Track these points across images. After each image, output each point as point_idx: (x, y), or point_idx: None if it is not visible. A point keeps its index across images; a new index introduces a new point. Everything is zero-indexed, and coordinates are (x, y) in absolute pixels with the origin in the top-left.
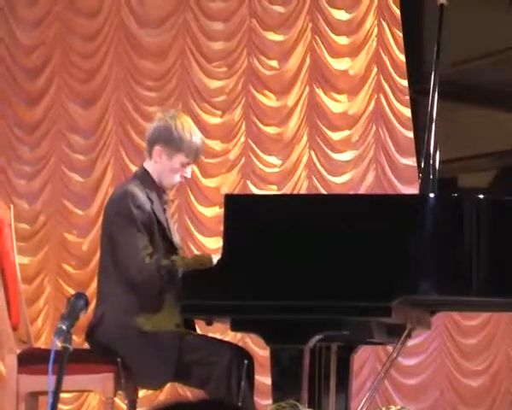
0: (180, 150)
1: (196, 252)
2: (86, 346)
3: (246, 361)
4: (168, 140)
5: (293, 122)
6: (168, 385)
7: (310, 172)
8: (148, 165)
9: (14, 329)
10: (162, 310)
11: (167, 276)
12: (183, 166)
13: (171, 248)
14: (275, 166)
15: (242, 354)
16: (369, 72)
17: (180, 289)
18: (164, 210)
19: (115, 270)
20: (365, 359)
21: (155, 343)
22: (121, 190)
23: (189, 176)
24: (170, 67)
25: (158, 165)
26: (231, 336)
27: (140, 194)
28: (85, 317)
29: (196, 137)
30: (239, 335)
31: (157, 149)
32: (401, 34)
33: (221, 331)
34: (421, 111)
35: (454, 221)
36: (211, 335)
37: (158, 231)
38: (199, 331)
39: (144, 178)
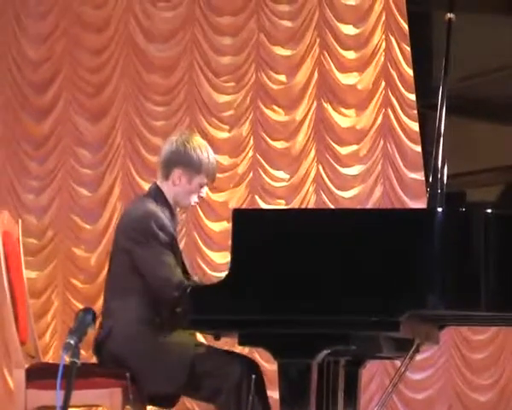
0: (200, 172)
1: (204, 267)
2: (94, 360)
3: (253, 376)
4: (188, 164)
5: (301, 137)
6: None
7: (318, 187)
8: (164, 185)
9: (22, 343)
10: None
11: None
12: (201, 186)
13: (184, 269)
14: (283, 180)
15: (253, 366)
16: (377, 86)
17: (188, 304)
18: (175, 230)
19: (133, 286)
20: (373, 373)
21: (167, 354)
22: (142, 210)
23: (205, 195)
24: (178, 82)
25: (177, 188)
26: (239, 351)
27: (162, 214)
28: (92, 331)
29: (213, 158)
30: (247, 349)
31: (177, 172)
32: (409, 49)
33: (229, 345)
34: (429, 125)
35: (462, 236)
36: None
37: (177, 252)
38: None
39: (158, 197)
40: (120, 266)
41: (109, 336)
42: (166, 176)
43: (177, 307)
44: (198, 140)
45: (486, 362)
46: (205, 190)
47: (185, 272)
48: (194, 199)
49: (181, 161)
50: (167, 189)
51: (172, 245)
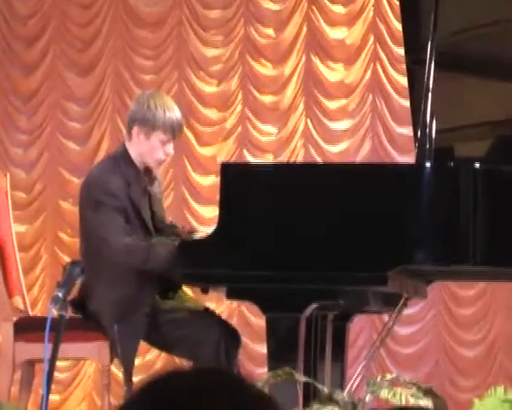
0: (155, 128)
1: (193, 221)
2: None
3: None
4: (143, 120)
5: (290, 91)
6: (164, 354)
7: (306, 141)
8: (129, 145)
9: (11, 297)
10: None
11: (147, 253)
12: (163, 143)
13: (148, 232)
14: (271, 134)
15: (229, 328)
16: (366, 41)
17: (177, 258)
18: (145, 191)
19: (89, 250)
20: (361, 328)
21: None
22: (94, 176)
23: (172, 152)
24: (166, 36)
25: (138, 145)
26: (227, 305)
27: (114, 179)
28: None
29: (171, 112)
30: (235, 303)
31: (135, 129)
32: (398, 3)
33: (216, 299)
34: (417, 80)
35: (450, 190)
36: (203, 306)
37: (134, 216)
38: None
39: (123, 158)
40: (85, 234)
41: (86, 298)
42: (129, 135)
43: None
44: (158, 97)
45: (474, 318)
46: (170, 147)
47: (161, 229)
48: (158, 156)
49: (137, 118)
50: (133, 150)
51: (124, 209)
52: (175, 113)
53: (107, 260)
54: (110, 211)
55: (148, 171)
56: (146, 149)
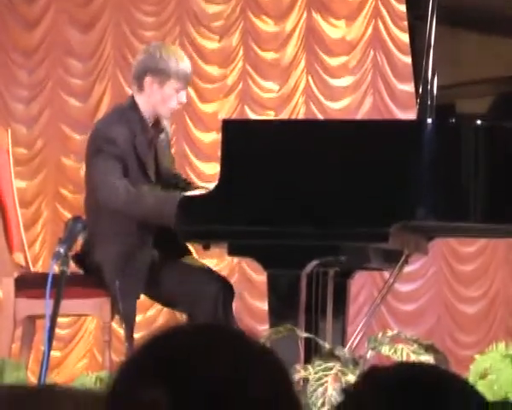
0: (169, 77)
1: (194, 178)
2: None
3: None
4: (156, 69)
5: (291, 48)
6: (166, 310)
7: (307, 98)
8: (139, 98)
9: (12, 252)
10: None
11: (132, 197)
12: (177, 91)
13: (150, 183)
14: (272, 91)
15: (226, 284)
16: None
17: (177, 214)
18: (151, 143)
19: (89, 199)
20: (362, 284)
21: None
22: (97, 126)
23: (185, 100)
24: None
25: (151, 96)
26: (228, 261)
27: (117, 128)
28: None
29: (183, 62)
30: (236, 260)
31: (147, 80)
32: None
33: (218, 256)
34: (419, 37)
35: (452, 147)
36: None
37: (137, 166)
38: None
39: (131, 110)
40: (86, 187)
41: (89, 252)
42: (139, 87)
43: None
44: (167, 47)
45: (475, 274)
46: (183, 95)
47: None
48: (172, 104)
49: (149, 68)
50: (143, 101)
51: (124, 157)
52: (186, 62)
53: (104, 209)
54: (108, 157)
55: (156, 123)
56: (159, 98)
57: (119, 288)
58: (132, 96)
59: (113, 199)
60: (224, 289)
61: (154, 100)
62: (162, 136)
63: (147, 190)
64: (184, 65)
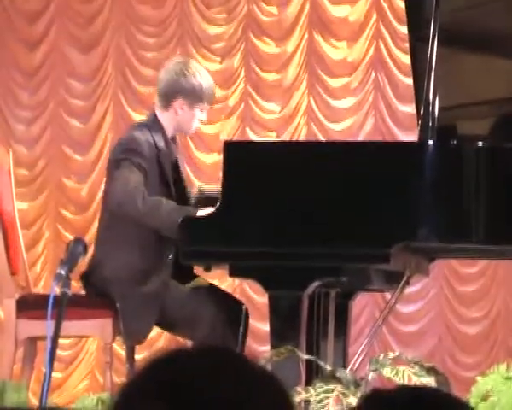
0: (201, 99)
1: None
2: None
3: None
4: (190, 93)
5: (293, 69)
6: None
7: (309, 119)
8: (163, 115)
9: (13, 274)
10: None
11: (149, 207)
12: (201, 111)
13: (171, 198)
14: (274, 112)
15: (229, 306)
16: (369, 18)
17: (179, 236)
18: (172, 159)
19: (114, 218)
20: (363, 305)
21: (140, 298)
22: (125, 136)
23: (205, 119)
24: (169, 13)
25: (178, 116)
26: (229, 283)
27: (140, 139)
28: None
29: (211, 82)
30: (237, 281)
31: (179, 102)
32: None
33: (219, 277)
34: (420, 58)
35: (453, 168)
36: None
37: (159, 181)
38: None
39: (153, 125)
40: (103, 203)
41: (97, 269)
42: (166, 106)
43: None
44: (195, 66)
45: (476, 295)
46: (205, 114)
47: (186, 200)
48: (196, 123)
49: (182, 90)
50: (167, 118)
51: (147, 170)
52: (212, 82)
53: (121, 222)
54: (129, 166)
55: (173, 139)
56: (187, 118)
57: (132, 306)
58: (155, 114)
59: (133, 207)
60: (224, 311)
61: (182, 119)
62: (180, 155)
63: (165, 202)
64: (212, 86)
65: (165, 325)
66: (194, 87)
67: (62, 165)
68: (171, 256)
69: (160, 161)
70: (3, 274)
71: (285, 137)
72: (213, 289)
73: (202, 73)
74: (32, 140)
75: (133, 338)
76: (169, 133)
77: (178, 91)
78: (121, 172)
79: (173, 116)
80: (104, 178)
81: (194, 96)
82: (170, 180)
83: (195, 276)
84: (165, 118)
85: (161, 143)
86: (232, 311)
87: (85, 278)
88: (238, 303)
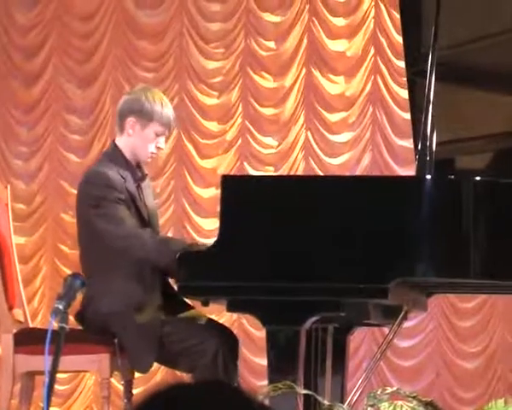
0: (152, 120)
1: (193, 233)
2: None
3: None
4: (140, 111)
5: (290, 103)
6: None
7: (306, 154)
8: (120, 140)
9: (11, 308)
10: (148, 305)
11: (158, 246)
12: (157, 135)
13: (145, 226)
14: (271, 147)
15: (229, 338)
16: (367, 53)
17: (177, 271)
18: (138, 186)
19: (96, 251)
20: (361, 340)
21: (135, 337)
22: (92, 172)
23: (163, 147)
24: (167, 48)
25: (131, 138)
26: (227, 317)
27: (112, 173)
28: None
29: (168, 107)
30: (235, 315)
31: (129, 120)
32: (398, 16)
33: (217, 312)
34: (418, 93)
35: (451, 203)
36: (200, 319)
37: (134, 209)
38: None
39: (115, 155)
40: (87, 236)
41: (90, 305)
42: (121, 129)
43: (131, 256)
44: (152, 90)
45: (474, 330)
46: (162, 141)
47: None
48: (150, 149)
49: (133, 109)
50: (124, 143)
51: (126, 202)
52: (170, 108)
53: (114, 253)
54: (111, 204)
55: (138, 167)
56: (139, 140)
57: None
58: (114, 142)
59: (139, 247)
60: (225, 343)
61: (134, 142)
62: (146, 181)
63: (166, 238)
64: (168, 110)
65: (164, 358)
66: (144, 106)
67: (60, 200)
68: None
69: (129, 190)
70: (1, 309)
71: (283, 172)
72: (211, 322)
73: (157, 96)
74: (30, 175)
75: (140, 368)
76: (132, 161)
77: (128, 110)
78: (109, 213)
79: (127, 139)
80: None
81: (145, 115)
82: (142, 209)
83: (189, 306)
84: (121, 143)
85: (125, 172)
86: (231, 343)
87: (80, 316)
88: (234, 335)
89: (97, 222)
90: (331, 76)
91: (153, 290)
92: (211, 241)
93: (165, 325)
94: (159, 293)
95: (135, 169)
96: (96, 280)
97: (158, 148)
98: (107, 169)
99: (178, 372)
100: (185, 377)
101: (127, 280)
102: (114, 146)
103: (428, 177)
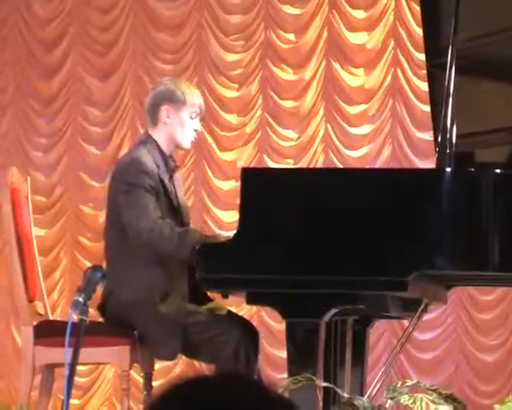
0: (185, 103)
1: (212, 226)
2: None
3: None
4: (172, 97)
5: (310, 96)
6: (184, 358)
7: (326, 146)
8: (155, 132)
9: (31, 301)
10: (172, 294)
11: (179, 238)
12: (192, 118)
13: (177, 217)
14: (291, 139)
15: (250, 330)
16: (386, 46)
17: (197, 263)
18: (171, 177)
19: (125, 243)
20: (381, 333)
21: (165, 319)
22: (128, 158)
23: (200, 129)
24: (187, 40)
25: (168, 126)
26: (246, 309)
27: (147, 159)
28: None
29: (196, 92)
30: (254, 308)
31: (164, 108)
32: (418, 8)
33: (236, 304)
34: (438, 85)
35: (471, 196)
36: (220, 311)
37: (164, 198)
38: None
39: (150, 145)
40: (115, 225)
41: (111, 297)
42: (155, 121)
43: (154, 249)
44: (178, 80)
45: (494, 322)
46: (197, 123)
47: (178, 216)
48: (189, 133)
49: (165, 97)
50: (159, 134)
51: (157, 189)
52: (198, 93)
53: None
54: (141, 192)
55: (171, 158)
56: (177, 125)
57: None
58: (147, 133)
59: (159, 241)
60: (246, 334)
61: (172, 128)
62: (176, 173)
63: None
64: (197, 94)
65: (187, 348)
66: (174, 91)
67: (80, 192)
68: None
69: (162, 178)
70: (21, 302)
71: (302, 165)
72: (232, 314)
73: (184, 84)
74: (50, 167)
75: (166, 355)
76: (166, 151)
77: (160, 100)
78: (135, 201)
79: (163, 128)
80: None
81: (176, 99)
82: (173, 198)
83: (210, 298)
84: (157, 135)
85: (159, 160)
86: (252, 335)
87: (102, 308)
88: (255, 328)
89: (124, 211)
90: (351, 68)
91: (178, 279)
92: (230, 233)
93: (188, 316)
94: (184, 282)
95: (168, 159)
96: (118, 270)
97: (195, 130)
98: (142, 155)
99: (198, 364)
100: (205, 368)
101: (150, 269)
102: (148, 136)
103: (448, 169)
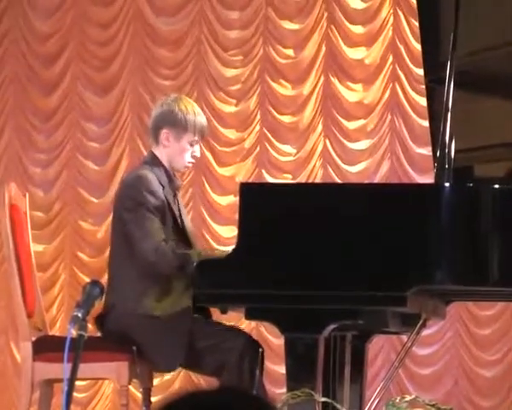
0: (186, 130)
1: (211, 241)
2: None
3: (260, 350)
4: (174, 122)
5: (309, 111)
6: (182, 373)
7: (325, 161)
8: (157, 150)
9: (30, 316)
10: (171, 294)
11: (180, 261)
12: (192, 145)
13: (182, 236)
14: (290, 154)
15: (254, 342)
16: (385, 61)
17: (195, 278)
18: (175, 196)
19: (128, 256)
20: (380, 348)
21: (167, 327)
22: (133, 175)
23: (199, 155)
24: (185, 56)
25: (167, 149)
26: (245, 325)
27: (153, 179)
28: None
29: (200, 115)
30: (253, 323)
31: (164, 132)
32: (417, 23)
33: (236, 320)
34: (436, 100)
35: (469, 211)
36: (224, 322)
37: (169, 218)
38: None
39: (154, 162)
40: (118, 238)
41: (112, 311)
42: (156, 141)
43: (156, 271)
44: (184, 100)
45: (493, 338)
46: (197, 149)
47: (184, 236)
48: (187, 159)
49: (167, 121)
50: (160, 154)
51: (163, 209)
52: (202, 116)
53: (145, 264)
54: (146, 213)
55: (174, 176)
56: (175, 151)
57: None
58: (151, 151)
59: (162, 264)
60: (252, 347)
61: (170, 152)
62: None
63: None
64: (202, 119)
65: (190, 357)
66: (177, 117)
67: (78, 207)
68: None
69: (167, 198)
70: (20, 317)
71: (301, 180)
72: (238, 327)
73: (189, 106)
74: (49, 183)
75: (165, 367)
76: (169, 169)
77: (162, 122)
78: (139, 220)
79: (163, 150)
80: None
81: (179, 126)
82: (177, 218)
83: (210, 314)
84: (159, 154)
85: (164, 179)
86: (257, 349)
87: (99, 320)
88: (260, 345)
89: (128, 230)
90: (349, 84)
91: (176, 279)
92: (229, 248)
93: (192, 320)
94: (186, 280)
95: (173, 178)
96: (117, 285)
97: (194, 157)
98: (148, 172)
99: (196, 380)
100: (203, 384)
101: (142, 279)
102: (153, 155)
103: (447, 185)
